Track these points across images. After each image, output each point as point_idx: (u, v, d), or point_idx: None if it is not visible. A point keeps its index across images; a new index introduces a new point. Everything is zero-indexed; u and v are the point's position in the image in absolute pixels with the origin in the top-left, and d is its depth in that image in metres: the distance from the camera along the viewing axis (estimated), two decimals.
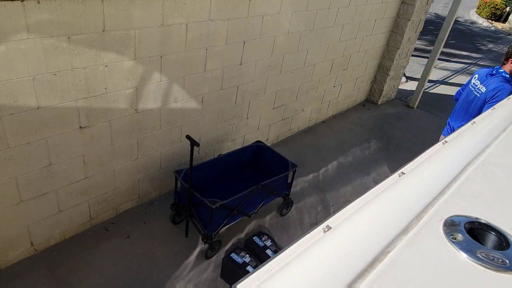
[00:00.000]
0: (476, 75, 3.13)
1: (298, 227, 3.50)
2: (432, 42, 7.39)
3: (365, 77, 5.78)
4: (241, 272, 2.67)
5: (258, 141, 3.67)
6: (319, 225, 0.95)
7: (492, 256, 0.84)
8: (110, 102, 2.67)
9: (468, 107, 3.13)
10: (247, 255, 2.80)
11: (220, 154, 3.47)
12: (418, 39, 6.01)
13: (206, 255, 2.99)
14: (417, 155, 1.40)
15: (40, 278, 2.66)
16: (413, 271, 0.79)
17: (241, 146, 3.97)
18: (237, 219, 3.15)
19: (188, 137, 2.75)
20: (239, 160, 3.57)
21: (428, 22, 10.91)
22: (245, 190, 2.98)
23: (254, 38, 3.46)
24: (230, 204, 2.92)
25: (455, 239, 0.88)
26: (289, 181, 3.43)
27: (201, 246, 3.10)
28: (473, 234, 0.92)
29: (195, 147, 2.69)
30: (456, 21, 12.21)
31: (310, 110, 4.98)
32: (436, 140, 1.49)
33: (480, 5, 14.79)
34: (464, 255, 0.84)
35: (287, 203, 3.55)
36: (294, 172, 3.38)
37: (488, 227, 0.93)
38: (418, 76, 6.67)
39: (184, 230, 3.16)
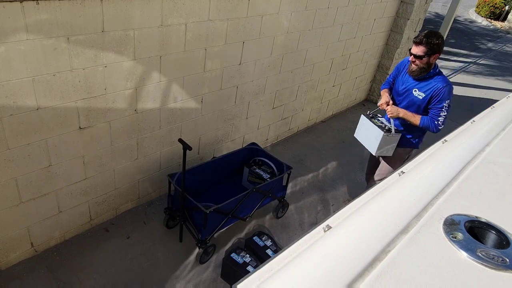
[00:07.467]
0: None
1: (298, 227, 3.50)
2: None
3: (365, 76, 5.78)
4: (242, 272, 2.67)
5: (253, 143, 3.65)
6: (319, 224, 0.95)
7: (492, 254, 0.84)
8: (110, 102, 2.67)
9: None
10: (247, 255, 2.80)
11: (214, 157, 3.43)
12: None
13: (200, 260, 2.96)
14: (417, 154, 1.40)
15: (40, 279, 2.66)
16: (413, 270, 0.79)
17: (241, 147, 3.97)
18: (231, 223, 3.11)
19: (180, 140, 2.69)
20: (233, 162, 3.53)
21: (427, 21, 10.91)
22: (239, 193, 2.93)
23: (254, 38, 3.46)
24: (225, 208, 2.87)
25: (455, 238, 0.88)
26: (284, 183, 3.38)
27: None
28: (473, 233, 0.92)
29: (193, 148, 2.66)
30: (455, 20, 12.21)
31: (310, 109, 4.98)
32: (435, 139, 1.48)
33: (479, 4, 14.79)
34: (464, 254, 0.84)
35: (283, 206, 3.51)
36: (289, 175, 3.35)
37: (488, 226, 0.93)
38: None
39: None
